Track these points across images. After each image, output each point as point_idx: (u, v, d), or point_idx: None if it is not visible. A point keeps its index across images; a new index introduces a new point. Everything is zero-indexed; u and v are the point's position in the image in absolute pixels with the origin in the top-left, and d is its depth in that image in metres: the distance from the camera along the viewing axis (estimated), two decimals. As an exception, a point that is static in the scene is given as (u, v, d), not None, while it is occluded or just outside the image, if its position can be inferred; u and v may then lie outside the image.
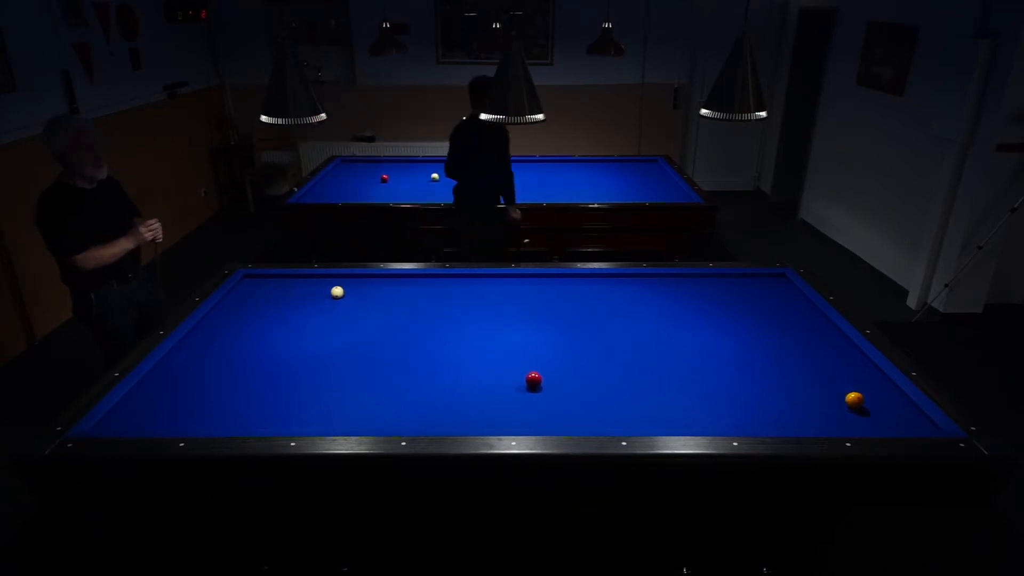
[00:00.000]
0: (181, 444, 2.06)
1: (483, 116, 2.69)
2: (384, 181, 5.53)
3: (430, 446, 2.07)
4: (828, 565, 2.59)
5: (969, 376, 4.17)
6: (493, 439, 2.08)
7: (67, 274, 3.08)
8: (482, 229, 4.42)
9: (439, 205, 4.78)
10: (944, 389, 2.34)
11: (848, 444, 2.06)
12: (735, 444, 2.07)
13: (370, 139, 7.45)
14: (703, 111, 2.78)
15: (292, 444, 2.07)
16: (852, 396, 2.32)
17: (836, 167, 6.40)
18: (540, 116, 2.72)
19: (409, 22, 7.06)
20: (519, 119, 2.65)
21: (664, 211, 4.82)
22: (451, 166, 4.38)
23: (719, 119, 2.73)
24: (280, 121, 2.73)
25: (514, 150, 6.91)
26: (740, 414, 2.29)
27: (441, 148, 7.26)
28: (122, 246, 3.08)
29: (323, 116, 2.82)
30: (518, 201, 4.55)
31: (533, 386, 2.43)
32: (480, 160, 4.29)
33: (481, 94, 4.15)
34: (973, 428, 2.12)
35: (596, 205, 4.80)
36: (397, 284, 3.40)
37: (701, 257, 5.00)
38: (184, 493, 2.16)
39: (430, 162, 6.15)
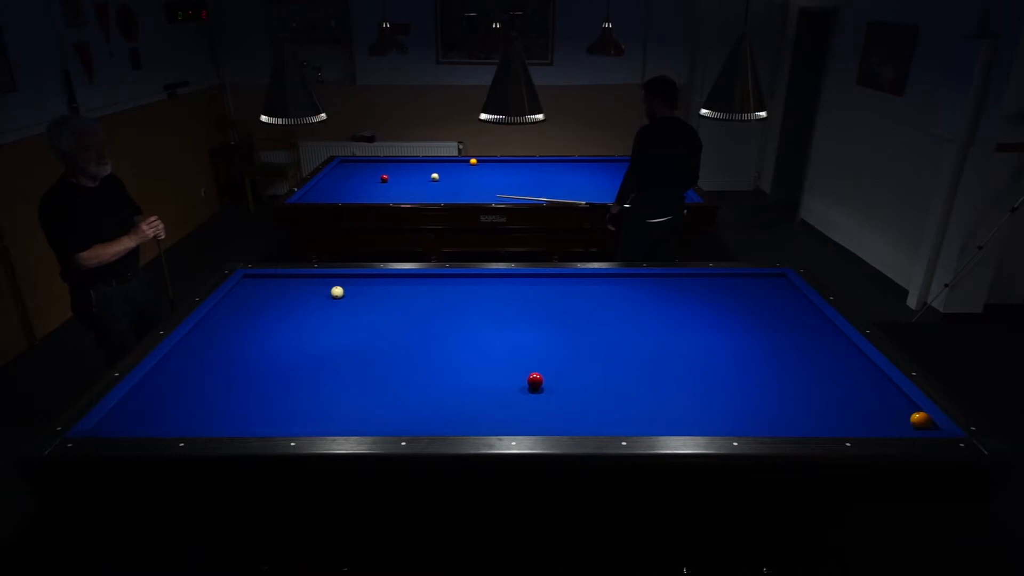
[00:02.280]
0: (181, 444, 2.06)
1: (482, 116, 2.69)
2: (384, 181, 5.52)
3: (430, 446, 2.07)
4: (828, 565, 2.59)
5: (969, 376, 4.17)
6: (493, 439, 2.09)
7: (67, 271, 3.08)
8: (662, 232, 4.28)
9: (439, 205, 4.78)
10: (944, 389, 2.34)
11: (848, 444, 2.06)
12: (735, 444, 2.07)
13: (370, 139, 7.46)
14: (703, 111, 2.79)
15: (292, 444, 2.07)
16: (917, 416, 2.22)
17: (836, 167, 6.39)
18: (540, 116, 2.72)
19: (409, 22, 7.06)
20: (519, 119, 2.66)
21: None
22: (633, 176, 4.18)
23: (719, 119, 2.73)
24: (280, 121, 2.74)
25: (514, 150, 7.01)
26: (740, 414, 2.29)
27: (440, 148, 7.36)
28: (125, 244, 3.09)
29: (323, 116, 2.82)
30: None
31: (534, 387, 2.43)
32: (669, 164, 4.12)
33: (661, 92, 4.00)
34: (973, 428, 2.12)
35: (596, 205, 4.80)
36: (397, 284, 3.40)
37: (701, 257, 5.00)
38: (184, 493, 2.16)
39: (430, 162, 6.16)
